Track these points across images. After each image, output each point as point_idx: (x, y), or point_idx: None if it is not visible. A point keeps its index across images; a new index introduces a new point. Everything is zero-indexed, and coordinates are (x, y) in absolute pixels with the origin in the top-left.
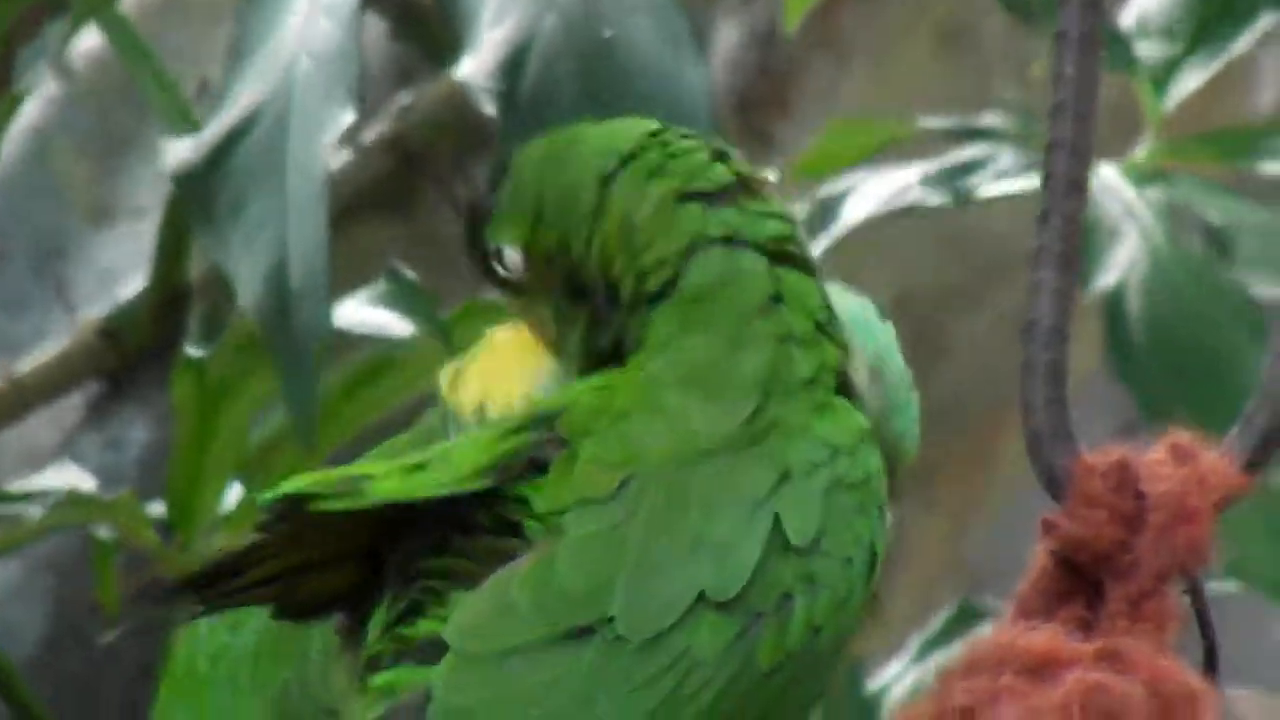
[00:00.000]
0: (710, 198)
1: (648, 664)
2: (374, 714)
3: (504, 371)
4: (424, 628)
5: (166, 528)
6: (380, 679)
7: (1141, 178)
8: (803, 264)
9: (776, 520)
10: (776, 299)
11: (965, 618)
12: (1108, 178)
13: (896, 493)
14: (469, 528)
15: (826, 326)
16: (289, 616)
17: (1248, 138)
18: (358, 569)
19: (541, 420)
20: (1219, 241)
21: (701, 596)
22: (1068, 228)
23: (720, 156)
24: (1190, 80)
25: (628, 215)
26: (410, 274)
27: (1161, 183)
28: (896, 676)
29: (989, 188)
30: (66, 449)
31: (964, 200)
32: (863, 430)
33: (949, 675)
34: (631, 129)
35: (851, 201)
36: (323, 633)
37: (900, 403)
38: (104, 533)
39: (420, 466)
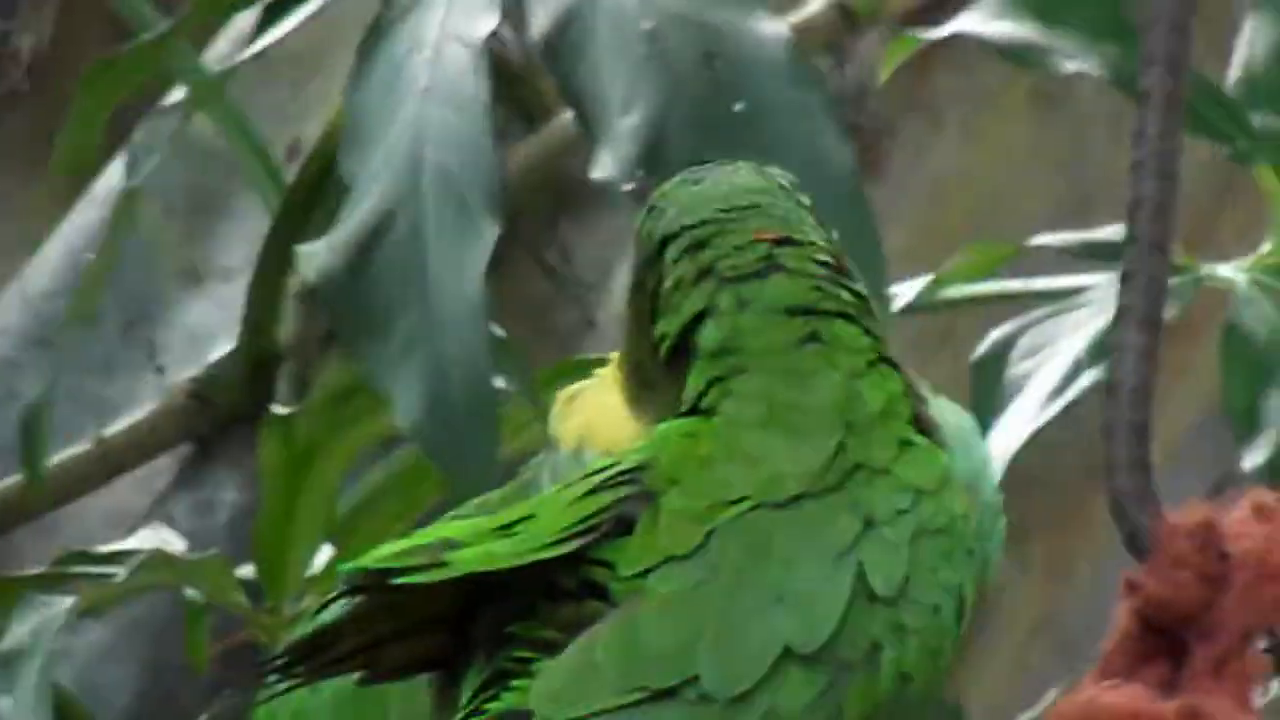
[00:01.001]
0: (735, 280)
1: None
2: None
3: (609, 409)
4: (508, 699)
5: (256, 590)
6: None
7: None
8: (846, 319)
9: (861, 570)
10: (813, 338)
11: None
12: (1245, 292)
13: (976, 608)
14: (554, 592)
15: (884, 360)
16: (375, 681)
17: None
18: (444, 632)
19: (629, 474)
20: None
21: (787, 651)
22: (1151, 287)
23: (787, 242)
24: None
25: (662, 280)
26: (500, 331)
27: None
28: None
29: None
30: (157, 512)
31: None
32: (945, 471)
33: None
34: (713, 198)
35: (1025, 400)
36: (401, 693)
37: (987, 530)
38: (194, 595)
39: (506, 529)
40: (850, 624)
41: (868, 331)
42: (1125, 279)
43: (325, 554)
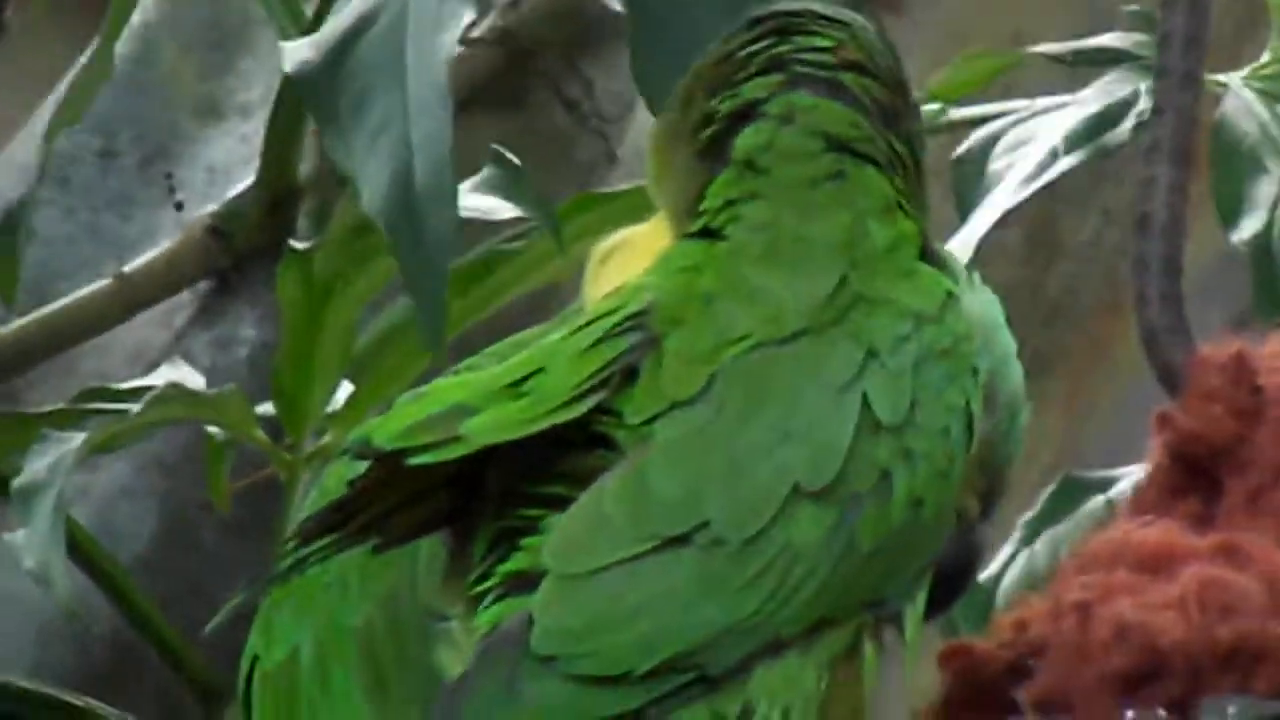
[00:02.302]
0: (800, 81)
1: (749, 563)
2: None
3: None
4: (518, 559)
5: (276, 427)
6: (484, 615)
7: (1273, 91)
8: (878, 166)
9: (865, 400)
10: (838, 176)
11: (1069, 492)
12: (1237, 93)
13: (992, 509)
14: (562, 444)
15: (900, 206)
16: (390, 548)
17: None
18: (454, 490)
19: (634, 318)
20: None
21: (796, 488)
22: (1181, 121)
23: (858, 68)
24: None
25: (721, 57)
26: (515, 160)
27: None
28: (1007, 561)
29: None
30: (176, 348)
31: (1106, 154)
32: (948, 294)
33: (1065, 570)
34: (815, 6)
35: (1002, 187)
36: (430, 540)
37: (1007, 429)
38: (216, 431)
39: (516, 386)
40: (858, 455)
41: (897, 184)
42: (1155, 112)
43: (345, 390)
